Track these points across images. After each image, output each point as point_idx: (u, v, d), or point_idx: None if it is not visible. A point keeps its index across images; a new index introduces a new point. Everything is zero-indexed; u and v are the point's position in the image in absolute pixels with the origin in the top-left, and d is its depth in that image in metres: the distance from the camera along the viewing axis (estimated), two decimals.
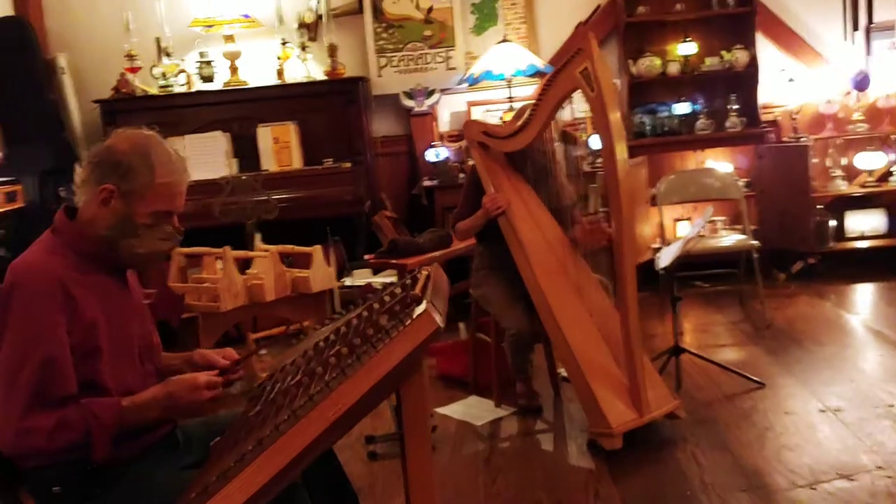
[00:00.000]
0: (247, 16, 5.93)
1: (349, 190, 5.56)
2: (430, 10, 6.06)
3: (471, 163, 4.51)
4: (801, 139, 5.80)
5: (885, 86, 5.89)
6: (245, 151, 5.81)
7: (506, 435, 3.82)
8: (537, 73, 5.73)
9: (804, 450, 3.34)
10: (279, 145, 5.76)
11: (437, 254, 4.91)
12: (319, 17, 6.06)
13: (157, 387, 2.04)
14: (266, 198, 4.87)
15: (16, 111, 5.77)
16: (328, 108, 5.90)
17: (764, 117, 6.02)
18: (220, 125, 5.85)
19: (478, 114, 6.20)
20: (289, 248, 4.55)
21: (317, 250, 4.44)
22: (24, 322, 1.91)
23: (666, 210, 5.54)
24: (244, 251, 4.56)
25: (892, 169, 5.90)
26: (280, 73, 5.93)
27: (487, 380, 4.22)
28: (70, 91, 6.09)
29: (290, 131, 5.76)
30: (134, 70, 5.95)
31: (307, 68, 5.97)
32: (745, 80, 5.95)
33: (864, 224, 5.93)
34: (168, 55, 6.00)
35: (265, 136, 5.77)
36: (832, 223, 5.85)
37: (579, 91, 3.46)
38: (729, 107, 5.91)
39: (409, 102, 6.15)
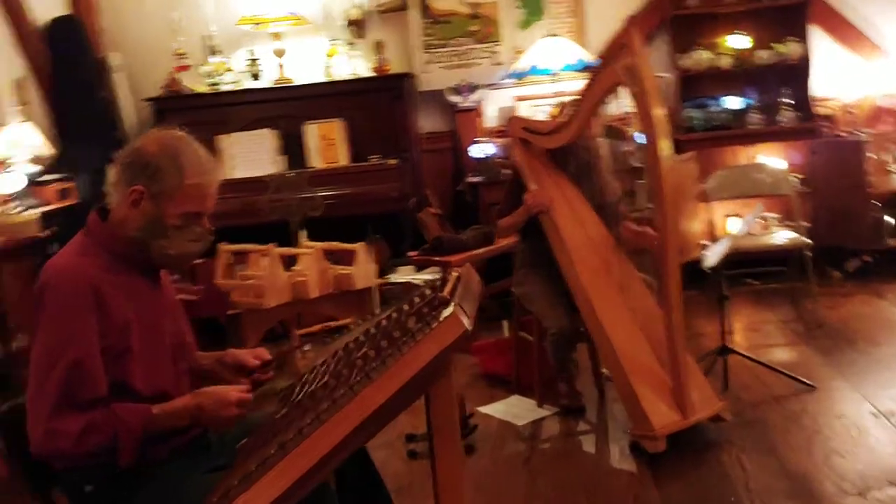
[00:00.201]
0: (294, 13, 5.95)
1: (394, 187, 5.56)
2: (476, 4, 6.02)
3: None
4: (857, 134, 5.64)
5: None
6: (292, 149, 5.84)
7: (547, 435, 3.78)
8: (586, 68, 5.65)
9: (855, 456, 3.24)
10: (326, 142, 5.78)
11: (480, 251, 4.89)
12: (366, 13, 6.06)
13: (188, 396, 2.04)
14: (311, 195, 4.89)
15: (70, 109, 5.88)
16: (374, 105, 5.90)
17: (818, 111, 5.86)
18: (268, 123, 5.89)
19: (525, 109, 6.15)
20: (332, 245, 4.56)
21: (360, 247, 4.45)
22: (54, 323, 1.93)
23: (716, 206, 5.44)
24: (289, 248, 4.59)
25: None
26: (327, 71, 5.94)
27: (530, 379, 4.18)
28: (122, 89, 6.18)
29: (336, 128, 5.78)
30: (183, 68, 6.02)
31: (354, 65, 5.98)
32: (798, 73, 5.80)
33: None
34: (216, 54, 6.06)
35: (312, 133, 5.79)
36: (889, 220, 5.68)
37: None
38: (781, 101, 5.77)
39: (454, 98, 6.11)
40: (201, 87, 6.03)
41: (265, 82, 6.04)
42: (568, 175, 3.96)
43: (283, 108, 5.92)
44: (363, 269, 4.46)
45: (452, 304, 1.82)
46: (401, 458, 3.61)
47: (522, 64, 5.77)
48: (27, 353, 1.98)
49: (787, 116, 5.77)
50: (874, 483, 3.01)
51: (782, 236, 5.10)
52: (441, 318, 1.76)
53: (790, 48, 5.75)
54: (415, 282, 4.88)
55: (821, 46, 5.91)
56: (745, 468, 3.24)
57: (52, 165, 5.47)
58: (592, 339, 3.70)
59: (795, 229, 5.03)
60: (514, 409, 4.07)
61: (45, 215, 4.82)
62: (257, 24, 5.94)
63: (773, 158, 5.84)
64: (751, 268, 5.66)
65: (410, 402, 1.91)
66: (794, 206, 5.03)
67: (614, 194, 3.92)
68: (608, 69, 3.42)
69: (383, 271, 5.39)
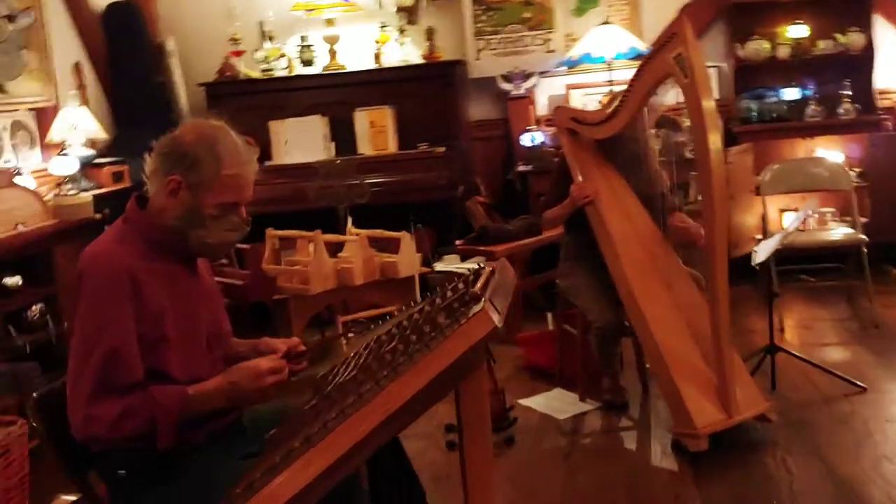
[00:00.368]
0: (347, 0, 5.95)
1: (442, 174, 5.53)
2: None
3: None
4: None
5: None
6: (342, 135, 5.85)
7: (588, 430, 3.74)
8: (639, 57, 5.54)
9: None
10: (375, 129, 5.78)
11: (526, 241, 4.85)
12: (418, 0, 6.03)
13: (221, 375, 2.06)
14: (358, 182, 4.89)
15: (127, 93, 5.98)
16: (425, 92, 5.87)
17: (881, 104, 5.69)
18: (319, 109, 5.90)
19: (577, 97, 6.08)
20: (377, 232, 4.56)
21: (405, 235, 4.44)
22: (91, 311, 1.95)
23: (771, 200, 5.31)
24: (335, 235, 4.60)
25: None
26: (377, 58, 5.93)
27: (573, 372, 4.13)
28: (178, 74, 6.24)
29: (386, 115, 5.77)
30: (238, 54, 6.06)
31: (405, 52, 5.96)
32: (860, 64, 5.62)
33: None
34: (270, 39, 6.09)
35: (362, 120, 5.79)
36: None
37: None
38: (842, 92, 5.60)
39: (506, 86, 6.06)
40: (255, 73, 6.07)
41: (317, 68, 6.05)
42: (616, 166, 3.90)
43: (334, 95, 5.93)
44: (408, 258, 4.45)
45: (483, 300, 1.80)
46: (439, 448, 3.60)
47: (575, 52, 5.70)
48: None
49: (846, 109, 5.60)
50: None
51: (839, 232, 4.97)
52: (470, 315, 1.74)
53: (852, 38, 5.57)
54: (458, 271, 4.86)
55: (885, 37, 5.72)
56: (790, 471, 3.17)
57: (106, 149, 5.57)
58: (636, 333, 3.64)
59: (852, 225, 4.89)
60: (555, 403, 4.03)
61: (98, 198, 4.90)
62: (311, 10, 5.95)
63: (831, 152, 5.68)
64: (806, 264, 5.53)
65: (440, 398, 1.90)
66: (851, 201, 4.88)
67: (663, 187, 3.84)
68: (658, 59, 3.34)
69: (430, 259, 5.39)
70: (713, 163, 3.22)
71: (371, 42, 5.97)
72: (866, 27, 5.58)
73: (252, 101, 6.08)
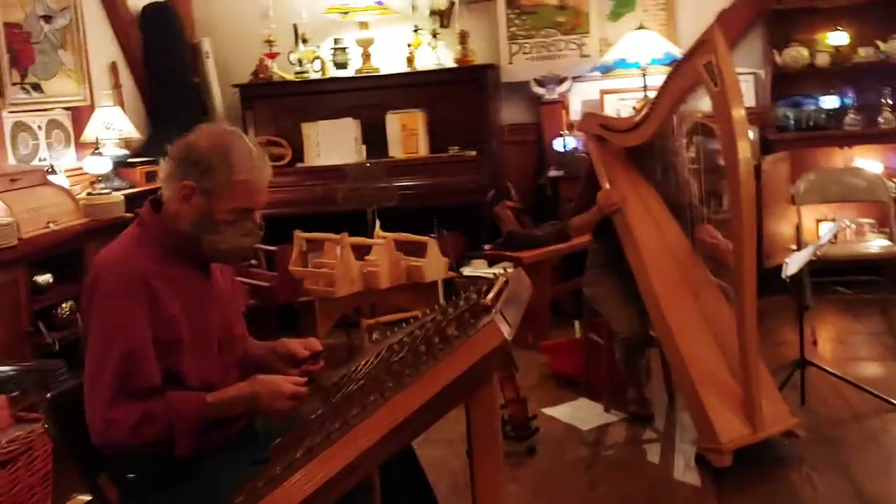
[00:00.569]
0: (381, 2, 5.95)
1: (472, 178, 5.50)
2: None
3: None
4: None
5: None
6: (374, 138, 5.85)
7: (611, 442, 3.68)
8: (674, 62, 5.47)
9: None
10: (406, 132, 5.77)
11: (554, 248, 4.81)
12: (452, 3, 6.01)
13: (243, 384, 2.06)
14: (387, 185, 4.88)
15: (162, 93, 6.03)
16: (457, 96, 5.85)
17: None
18: (351, 112, 5.91)
19: (611, 102, 6.02)
20: (403, 236, 4.55)
21: (431, 240, 4.43)
22: (105, 315, 1.96)
23: (808, 210, 5.21)
24: (361, 238, 4.60)
25: None
26: (410, 61, 5.92)
27: (599, 382, 4.08)
28: (213, 75, 6.29)
29: (417, 119, 5.76)
30: (272, 56, 6.09)
31: (437, 55, 5.94)
32: None
33: None
34: (305, 41, 6.10)
35: (393, 123, 5.78)
36: None
37: None
38: (883, 101, 5.48)
39: (539, 90, 6.02)
40: (288, 75, 6.10)
41: (350, 71, 6.06)
42: (645, 175, 3.84)
43: (367, 98, 5.93)
44: (434, 262, 4.44)
45: (493, 311, 1.77)
46: (459, 457, 3.55)
47: (609, 57, 5.64)
48: None
49: (886, 118, 5.48)
50: None
51: (876, 244, 4.86)
52: (480, 327, 1.71)
53: (894, 46, 5.45)
54: (485, 276, 4.83)
55: None
56: (816, 488, 3.10)
57: (141, 149, 5.62)
58: (661, 344, 3.58)
59: (890, 237, 4.78)
60: (580, 413, 3.99)
61: (130, 197, 4.94)
62: (345, 12, 5.96)
63: (870, 162, 5.56)
64: (842, 276, 5.41)
65: (449, 409, 1.87)
66: (889, 212, 4.78)
67: (691, 197, 3.78)
68: (687, 66, 3.29)
69: (458, 263, 5.37)
70: (742, 173, 3.16)
71: (404, 45, 5.97)
72: None
73: (285, 102, 6.11)
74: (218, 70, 6.30)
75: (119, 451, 1.98)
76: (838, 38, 5.54)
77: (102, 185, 4.96)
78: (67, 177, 4.99)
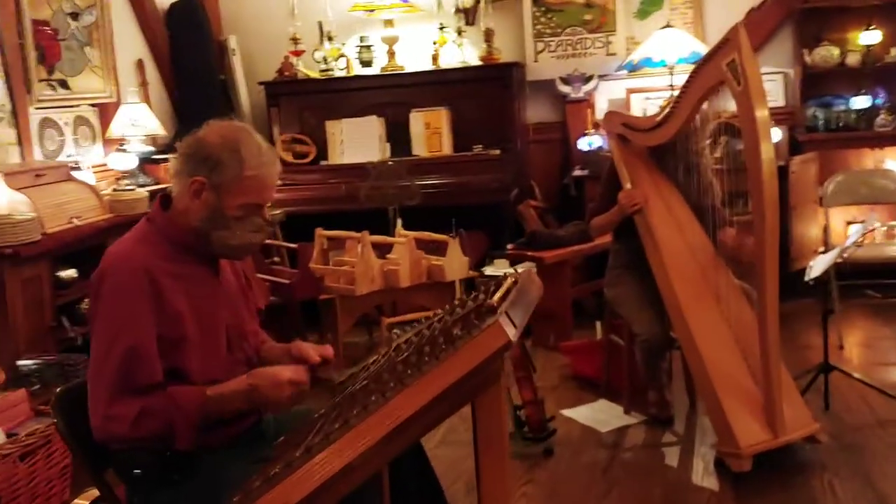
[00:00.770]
0: (406, 0, 5.94)
1: (496, 177, 5.47)
2: None
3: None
4: None
5: None
6: (398, 136, 5.83)
7: (630, 445, 3.64)
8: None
9: None
10: (430, 131, 5.75)
11: (576, 248, 4.77)
12: (478, 1, 5.98)
13: (242, 378, 2.05)
14: (409, 184, 4.87)
15: (189, 90, 6.06)
16: (481, 94, 5.82)
17: None
18: (376, 110, 5.89)
19: (637, 102, 5.96)
20: (425, 235, 4.54)
21: (452, 239, 4.41)
22: (110, 311, 1.97)
23: (836, 212, 5.13)
24: (382, 236, 4.59)
25: None
26: (435, 59, 5.90)
27: (620, 384, 4.04)
28: (239, 72, 6.32)
29: (441, 117, 5.73)
30: (298, 53, 6.09)
31: (462, 53, 5.92)
32: None
33: None
34: (330, 39, 6.10)
35: (417, 121, 5.77)
36: None
37: None
38: None
39: (565, 89, 5.98)
40: (313, 73, 6.10)
41: (376, 69, 6.05)
42: (667, 175, 3.79)
43: (392, 96, 5.92)
44: (455, 261, 4.42)
45: (498, 312, 1.75)
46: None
47: (636, 55, 5.58)
48: None
49: None
50: None
51: None
52: (483, 327, 1.69)
53: None
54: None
55: None
56: (837, 495, 3.04)
57: (167, 145, 5.65)
58: (681, 347, 3.54)
59: None
60: (599, 415, 3.95)
61: (155, 193, 4.97)
62: (370, 10, 5.95)
63: None
64: (872, 279, 5.32)
65: (453, 411, 1.85)
66: None
67: (714, 199, 3.72)
68: (710, 65, 3.24)
69: (481, 263, 5.34)
70: (765, 174, 3.10)
71: (429, 43, 5.95)
72: None
73: (310, 100, 6.12)
74: (244, 67, 6.32)
75: (121, 446, 1.99)
76: (870, 36, 5.44)
77: (127, 182, 5.00)
78: (93, 173, 5.03)
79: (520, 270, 2.13)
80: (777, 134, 5.42)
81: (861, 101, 5.49)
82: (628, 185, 3.70)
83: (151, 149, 5.42)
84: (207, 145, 2.06)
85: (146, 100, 5.64)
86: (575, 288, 5.07)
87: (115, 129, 5.17)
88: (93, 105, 5.24)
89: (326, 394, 2.15)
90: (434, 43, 5.92)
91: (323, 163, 5.92)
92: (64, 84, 5.00)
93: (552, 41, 5.96)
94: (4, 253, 3.85)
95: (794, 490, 3.10)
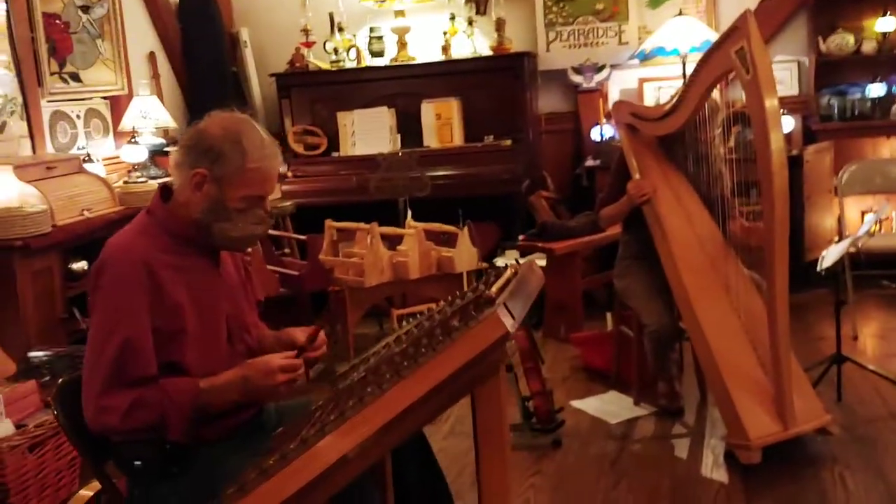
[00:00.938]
0: None
1: (507, 168, 5.44)
2: None
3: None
4: None
5: None
6: (409, 127, 5.82)
7: (639, 436, 3.62)
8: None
9: None
10: (441, 122, 5.73)
11: (586, 239, 4.75)
12: None
13: (235, 369, 2.04)
14: (419, 175, 4.85)
15: (200, 83, 6.07)
16: (492, 85, 5.80)
17: None
18: (387, 100, 5.89)
19: (650, 91, 5.92)
20: (433, 226, 4.52)
21: (462, 230, 4.39)
22: (107, 303, 1.97)
23: (851, 202, 5.07)
24: (392, 228, 4.58)
25: None
26: (446, 49, 5.87)
27: (630, 375, 4.02)
28: (251, 64, 6.32)
29: (452, 107, 5.72)
30: (308, 45, 6.08)
31: (473, 43, 5.89)
32: None
33: None
34: (341, 30, 6.09)
35: (428, 112, 5.75)
36: None
37: None
38: None
39: (577, 78, 5.94)
40: (324, 64, 6.09)
41: (386, 60, 6.03)
42: (676, 165, 3.76)
43: (402, 86, 5.90)
44: (465, 253, 4.40)
45: (496, 303, 1.73)
46: None
47: (648, 44, 5.53)
48: None
49: None
50: None
51: None
52: (480, 319, 1.68)
53: None
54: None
55: None
56: (848, 488, 3.01)
57: (177, 139, 5.66)
58: (690, 338, 3.51)
59: None
60: (608, 406, 3.92)
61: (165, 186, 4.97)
62: (381, 1, 5.93)
63: None
64: (887, 269, 5.26)
65: (452, 402, 1.85)
66: None
67: (723, 189, 3.68)
68: (718, 53, 3.21)
69: (493, 254, 5.33)
70: (774, 164, 3.07)
71: (440, 33, 5.92)
72: None
73: (321, 91, 6.11)
74: (255, 59, 6.32)
75: (116, 438, 1.99)
76: (886, 23, 5.37)
77: (138, 174, 5.01)
78: (105, 165, 5.05)
79: (521, 262, 2.11)
80: (791, 123, 5.37)
81: (876, 90, 5.43)
82: (637, 176, 3.67)
83: (163, 141, 5.43)
84: (209, 137, 2.05)
85: (158, 92, 5.65)
86: (586, 279, 5.04)
87: (127, 121, 5.18)
88: (105, 98, 5.26)
89: (329, 386, 2.14)
90: (445, 33, 5.90)
91: (334, 154, 5.91)
92: (76, 77, 5.01)
93: (564, 30, 5.92)
94: (15, 245, 3.87)
95: (804, 482, 3.07)
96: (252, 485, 1.56)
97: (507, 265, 2.03)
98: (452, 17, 5.91)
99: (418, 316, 2.21)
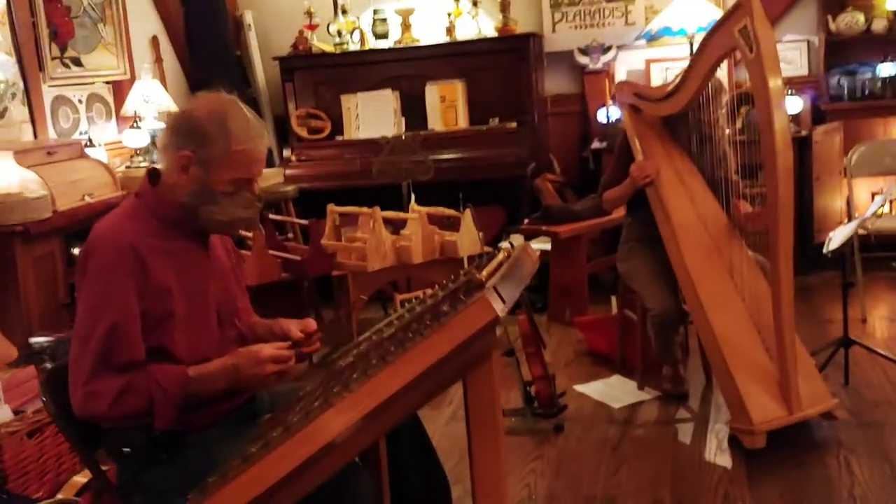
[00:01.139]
0: None
1: (513, 151, 5.39)
2: None
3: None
4: None
5: None
6: (413, 110, 5.77)
7: (642, 421, 3.58)
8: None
9: None
10: (446, 104, 5.68)
11: (590, 222, 4.70)
12: None
13: (225, 357, 2.02)
14: (423, 159, 4.81)
15: (204, 67, 6.02)
16: (498, 66, 5.74)
17: None
18: (391, 83, 5.83)
19: (657, 72, 5.85)
20: (436, 210, 4.48)
21: (466, 214, 4.35)
22: (94, 287, 1.94)
23: (860, 183, 5.00)
24: (394, 212, 4.54)
25: None
26: (450, 31, 5.81)
27: (634, 359, 3.98)
28: (255, 48, 6.27)
29: (457, 90, 5.66)
30: (312, 27, 6.03)
31: (478, 25, 5.82)
32: None
33: None
34: (345, 12, 6.03)
35: (432, 94, 5.70)
36: None
37: None
38: None
39: (583, 60, 5.87)
40: (328, 47, 6.04)
41: (390, 42, 5.98)
42: (680, 146, 3.71)
43: (406, 69, 5.84)
44: (469, 237, 4.37)
45: (485, 287, 1.70)
46: None
47: (655, 25, 5.46)
48: None
49: None
50: None
51: None
52: (469, 303, 1.65)
53: None
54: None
55: None
56: (853, 473, 2.97)
57: None
58: (694, 322, 3.47)
59: None
60: (612, 391, 3.89)
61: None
62: None
63: None
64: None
65: (443, 388, 1.82)
66: None
67: (728, 171, 3.62)
68: (721, 32, 3.15)
69: (498, 238, 5.28)
70: (778, 144, 3.01)
71: (444, 15, 5.86)
72: None
73: (325, 74, 6.06)
74: (259, 42, 6.27)
75: (102, 424, 1.97)
76: None
77: (140, 159, 4.99)
78: (108, 150, 5.03)
79: (515, 245, 2.08)
80: (799, 103, 5.30)
81: (887, 69, 5.33)
82: (640, 157, 3.62)
83: (164, 125, 5.40)
84: (195, 119, 2.02)
85: (161, 77, 5.62)
86: (591, 262, 5.00)
87: (129, 106, 5.16)
88: (107, 82, 5.23)
89: (322, 372, 2.11)
90: (449, 14, 5.83)
91: (338, 138, 5.87)
92: (77, 61, 4.99)
93: (570, 11, 5.85)
94: (16, 231, 3.86)
95: (809, 467, 3.03)
96: (235, 472, 1.54)
97: (499, 248, 1.99)
98: None
99: (414, 300, 2.18)
